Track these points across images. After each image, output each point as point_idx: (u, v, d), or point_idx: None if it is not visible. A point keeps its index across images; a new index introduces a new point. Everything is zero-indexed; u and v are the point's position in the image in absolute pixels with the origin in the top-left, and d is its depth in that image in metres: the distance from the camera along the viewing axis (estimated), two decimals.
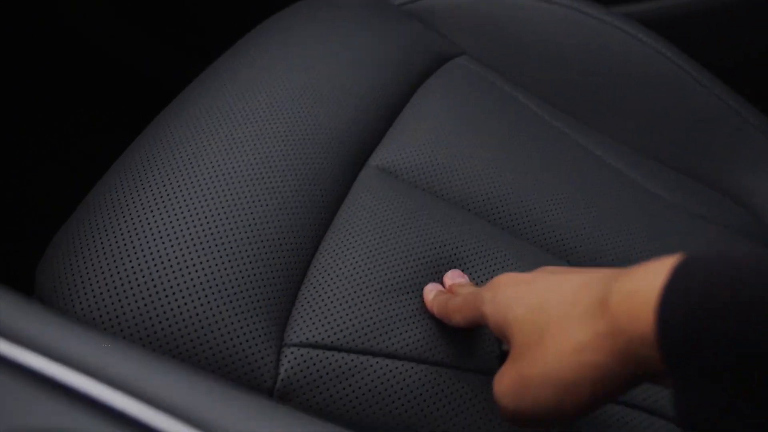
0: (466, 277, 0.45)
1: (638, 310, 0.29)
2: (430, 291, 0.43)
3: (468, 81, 0.59)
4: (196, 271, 0.40)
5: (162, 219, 0.41)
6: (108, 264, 0.40)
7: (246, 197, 0.43)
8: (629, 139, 0.63)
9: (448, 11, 0.66)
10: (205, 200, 0.42)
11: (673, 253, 0.52)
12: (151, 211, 0.41)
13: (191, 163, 0.44)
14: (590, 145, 0.58)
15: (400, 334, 0.42)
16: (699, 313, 0.26)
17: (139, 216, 0.41)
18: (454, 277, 0.44)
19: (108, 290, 0.39)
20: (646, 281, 0.29)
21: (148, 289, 0.39)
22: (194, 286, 0.39)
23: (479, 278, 0.46)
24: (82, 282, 0.39)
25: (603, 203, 0.53)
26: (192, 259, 0.40)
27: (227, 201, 0.43)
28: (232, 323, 0.39)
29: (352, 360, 0.40)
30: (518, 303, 0.35)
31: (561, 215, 0.51)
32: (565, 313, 0.32)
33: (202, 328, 0.39)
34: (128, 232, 0.41)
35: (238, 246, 0.41)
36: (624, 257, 0.51)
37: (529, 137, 0.56)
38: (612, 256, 0.51)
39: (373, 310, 0.42)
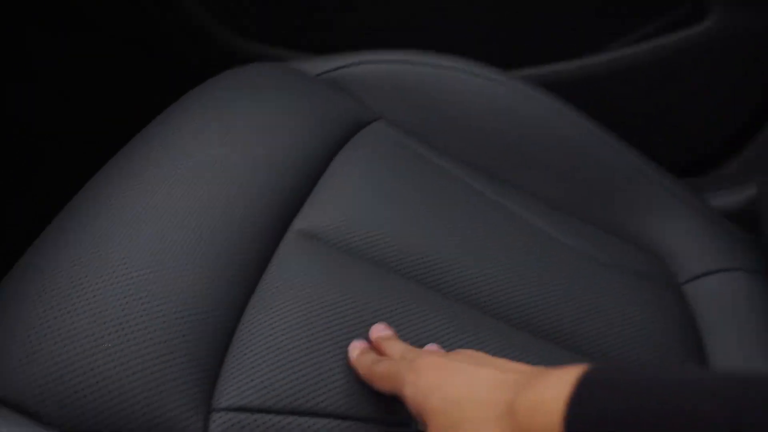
0: (391, 329, 0.46)
1: (542, 420, 0.31)
2: (355, 349, 0.44)
3: (385, 145, 0.62)
4: (114, 344, 0.40)
5: (76, 297, 0.42)
6: (20, 345, 0.40)
7: (168, 268, 0.44)
8: (541, 194, 0.66)
9: (365, 79, 0.69)
10: (122, 273, 0.43)
11: (589, 305, 0.55)
12: (65, 290, 0.42)
13: (111, 233, 0.45)
14: (506, 202, 0.62)
15: (327, 391, 0.43)
16: (600, 426, 0.28)
17: (51, 295, 0.42)
18: (379, 331, 0.45)
19: (24, 373, 0.39)
20: (549, 394, 0.31)
21: (67, 371, 0.39)
22: (112, 361, 0.40)
23: (403, 335, 0.48)
24: None
25: (520, 257, 0.56)
26: (109, 332, 0.41)
27: (146, 272, 0.44)
28: (156, 394, 0.40)
29: (279, 421, 0.41)
30: (437, 393, 0.36)
31: (479, 271, 0.54)
32: (478, 414, 0.34)
33: (125, 401, 0.39)
34: (41, 313, 0.41)
35: (158, 315, 0.42)
36: (543, 309, 0.54)
37: (446, 197, 0.59)
38: (532, 308, 0.54)
39: (300, 369, 0.43)
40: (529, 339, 0.51)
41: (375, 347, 0.45)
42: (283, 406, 0.42)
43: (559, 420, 0.30)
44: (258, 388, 0.42)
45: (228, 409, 0.41)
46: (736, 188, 0.76)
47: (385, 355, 0.44)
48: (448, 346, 0.48)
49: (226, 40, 0.91)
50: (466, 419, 0.34)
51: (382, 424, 0.43)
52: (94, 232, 0.45)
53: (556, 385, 0.31)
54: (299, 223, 0.52)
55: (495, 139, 0.67)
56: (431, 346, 0.46)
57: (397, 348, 0.43)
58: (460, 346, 0.49)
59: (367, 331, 0.47)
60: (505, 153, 0.67)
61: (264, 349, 0.43)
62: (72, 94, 0.96)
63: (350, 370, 0.45)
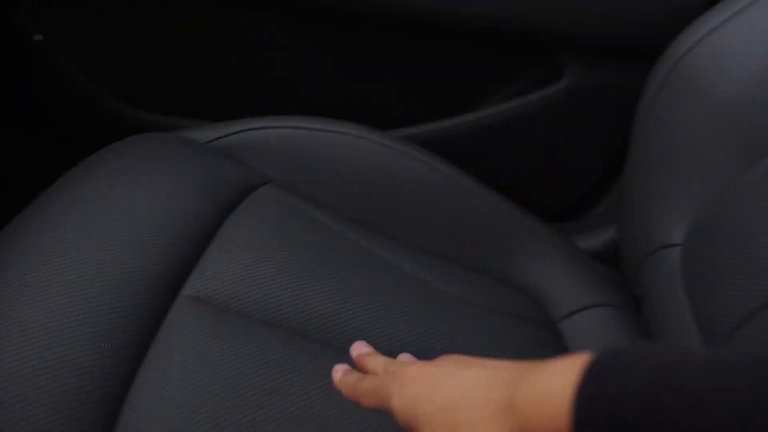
0: (370, 347, 0.46)
1: (547, 412, 0.30)
2: (337, 372, 0.44)
3: (273, 208, 0.65)
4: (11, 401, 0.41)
5: None
6: None
7: (61, 338, 0.45)
8: (422, 245, 0.71)
9: (253, 144, 0.72)
10: (22, 339, 0.44)
11: (468, 349, 0.59)
12: None
13: (17, 296, 0.45)
14: (389, 255, 0.65)
15: None
16: (614, 416, 0.27)
17: None
18: (359, 349, 0.45)
19: None
20: (554, 383, 0.30)
21: None
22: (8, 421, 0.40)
23: (287, 388, 0.50)
24: None
25: (403, 308, 0.60)
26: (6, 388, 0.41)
27: (32, 345, 0.44)
28: None
29: None
30: (427, 401, 0.35)
31: (362, 323, 0.57)
32: (472, 415, 0.33)
33: None
34: None
35: (38, 391, 0.43)
36: (425, 357, 0.57)
37: (332, 255, 0.62)
38: (415, 356, 0.57)
39: (190, 430, 0.45)
40: None
41: (357, 365, 0.45)
42: None
43: (567, 409, 0.29)
44: None
45: None
46: (600, 231, 0.83)
47: (367, 371, 0.43)
48: (335, 393, 0.51)
49: (116, 110, 0.92)
50: (461, 423, 0.33)
51: None
52: None
53: (560, 375, 0.30)
54: (189, 289, 0.54)
55: (377, 196, 0.71)
56: (405, 356, 0.45)
57: (379, 362, 0.43)
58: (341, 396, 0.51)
59: (265, 386, 0.48)
60: (387, 209, 0.71)
61: (155, 414, 0.44)
62: None
63: (241, 425, 0.46)
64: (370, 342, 0.56)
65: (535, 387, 0.31)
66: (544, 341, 0.63)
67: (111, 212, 0.54)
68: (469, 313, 0.62)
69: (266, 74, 0.87)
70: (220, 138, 0.72)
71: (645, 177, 0.65)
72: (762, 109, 0.56)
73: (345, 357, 0.54)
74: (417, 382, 0.37)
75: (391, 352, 0.56)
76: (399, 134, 0.83)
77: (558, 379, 0.30)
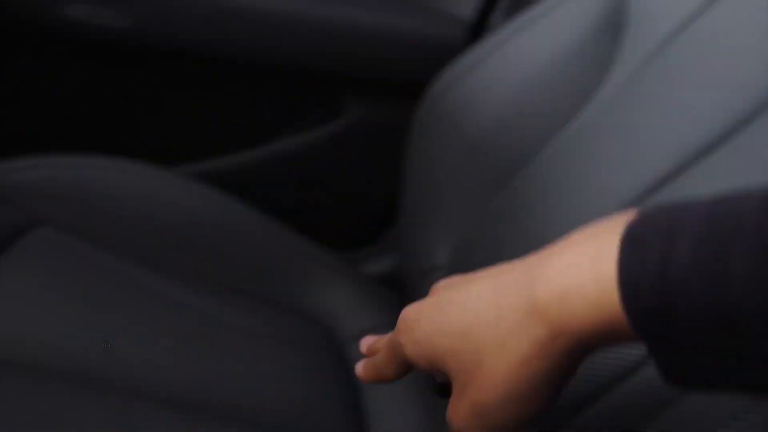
0: (376, 336, 0.43)
1: (576, 308, 0.27)
2: (359, 368, 0.40)
3: (47, 250, 0.63)
4: None
5: None
6: None
7: None
8: (205, 278, 0.71)
9: (27, 185, 0.70)
10: None
11: (258, 379, 0.60)
12: None
13: None
14: (170, 290, 0.65)
15: None
16: (664, 285, 0.25)
17: None
18: (366, 342, 0.42)
19: None
20: (574, 276, 0.28)
21: None
22: None
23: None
24: None
25: (181, 343, 0.60)
26: None
27: None
28: None
29: None
30: (440, 335, 0.33)
31: (145, 361, 0.56)
32: (495, 332, 0.31)
33: None
34: None
35: None
36: (212, 388, 0.58)
37: (110, 294, 0.61)
38: (195, 390, 0.57)
39: None
40: (223, 428, 0.55)
41: (372, 354, 0.42)
42: None
43: (613, 289, 0.26)
44: None
45: None
46: (381, 258, 0.88)
47: (379, 352, 0.40)
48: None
49: None
50: (485, 343, 0.31)
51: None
52: None
53: (576, 267, 0.28)
54: None
55: (158, 232, 0.71)
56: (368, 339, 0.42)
57: (384, 337, 0.40)
58: None
59: None
60: (169, 243, 0.71)
61: None
62: None
63: None
64: (151, 380, 0.56)
65: (551, 287, 0.28)
66: (329, 366, 0.66)
67: None
68: (253, 344, 0.64)
69: (38, 109, 0.84)
70: None
71: (415, 206, 0.70)
72: (506, 139, 0.63)
73: (129, 394, 0.53)
74: (422, 322, 0.34)
75: (173, 389, 0.56)
76: (186, 170, 0.83)
77: (573, 275, 0.28)
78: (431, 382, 0.39)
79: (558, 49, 0.63)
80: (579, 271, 0.28)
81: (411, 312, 0.35)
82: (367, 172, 0.88)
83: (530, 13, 0.66)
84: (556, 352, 0.29)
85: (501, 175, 0.63)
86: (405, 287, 0.74)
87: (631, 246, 0.26)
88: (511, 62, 0.65)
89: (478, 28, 0.84)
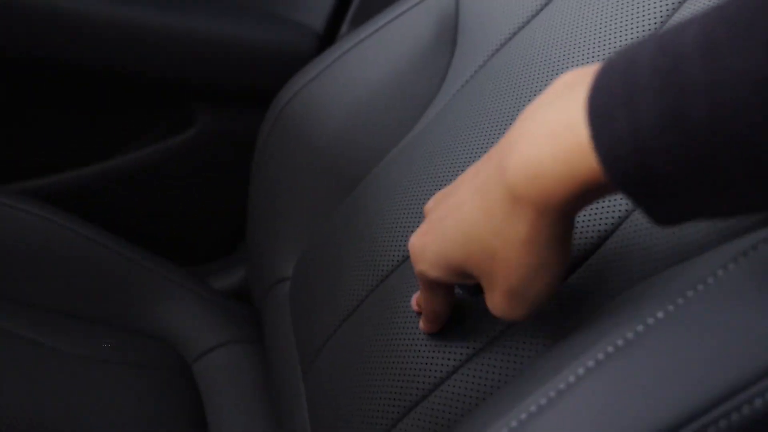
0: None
1: (550, 186, 0.29)
2: (420, 323, 0.44)
3: None
4: None
5: None
6: None
7: None
8: (42, 304, 0.67)
9: None
10: None
11: (95, 407, 0.57)
12: None
13: None
14: (21, 328, 0.61)
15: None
16: (639, 150, 0.26)
17: None
18: (414, 299, 0.45)
19: None
20: (542, 159, 0.29)
21: None
22: None
23: None
24: None
25: (19, 376, 0.56)
26: None
27: None
28: None
29: None
30: (448, 250, 0.35)
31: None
32: (491, 227, 0.32)
33: None
34: None
35: None
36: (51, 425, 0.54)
37: None
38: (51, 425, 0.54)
39: None
40: None
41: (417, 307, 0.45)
42: None
43: (582, 159, 0.28)
44: None
45: None
46: (233, 271, 0.86)
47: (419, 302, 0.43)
48: None
49: None
50: (488, 241, 0.33)
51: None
52: None
53: (549, 137, 0.29)
54: None
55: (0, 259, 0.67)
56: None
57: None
58: None
59: None
60: (13, 271, 0.67)
61: None
62: None
63: None
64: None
65: (524, 167, 0.30)
66: (174, 385, 0.64)
67: None
68: (86, 370, 0.60)
69: None
70: None
71: (262, 216, 0.69)
72: (348, 149, 0.63)
73: None
74: (428, 246, 0.36)
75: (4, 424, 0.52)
76: (23, 186, 0.78)
77: (547, 145, 0.29)
78: (465, 289, 0.42)
79: (396, 61, 0.64)
80: (544, 151, 0.29)
81: (416, 241, 0.37)
82: (219, 183, 0.86)
83: (371, 24, 0.67)
84: (549, 222, 0.31)
85: (342, 186, 0.63)
86: (254, 301, 0.72)
87: (600, 120, 0.27)
88: (352, 74, 0.65)
89: (327, 39, 0.84)
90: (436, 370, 0.42)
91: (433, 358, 0.43)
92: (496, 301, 0.34)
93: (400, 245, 0.51)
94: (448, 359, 0.42)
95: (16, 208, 0.66)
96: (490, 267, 0.33)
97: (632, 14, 0.47)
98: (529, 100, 0.49)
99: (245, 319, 0.73)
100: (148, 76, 0.79)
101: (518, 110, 0.49)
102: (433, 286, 0.39)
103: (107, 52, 0.77)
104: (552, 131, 0.29)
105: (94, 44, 0.76)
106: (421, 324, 0.43)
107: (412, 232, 0.50)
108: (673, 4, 0.45)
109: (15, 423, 0.54)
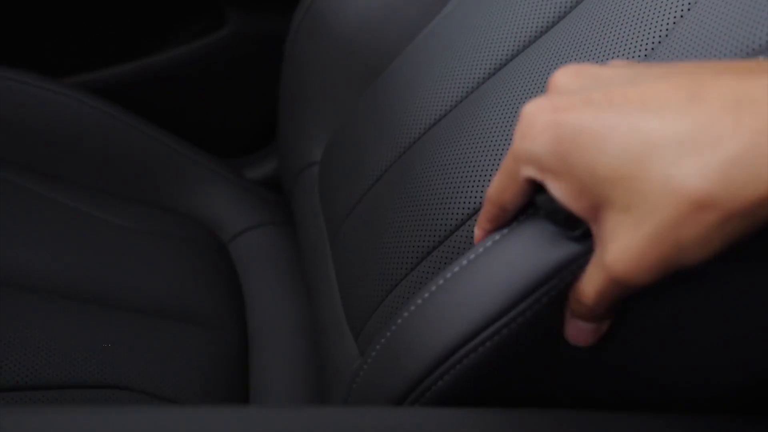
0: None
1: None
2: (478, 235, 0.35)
3: None
4: None
5: None
6: None
7: None
8: (95, 185, 0.73)
9: None
10: None
11: (141, 272, 0.63)
12: None
13: None
14: (62, 198, 0.67)
15: None
16: None
17: None
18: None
19: None
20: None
21: None
22: None
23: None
24: None
25: (74, 243, 0.63)
26: None
27: None
28: None
29: None
30: (608, 155, 0.25)
31: (51, 266, 0.59)
32: (693, 147, 0.24)
33: None
34: None
35: None
36: (116, 285, 0.61)
37: (19, 209, 0.63)
38: (105, 286, 0.60)
39: None
40: (110, 312, 0.58)
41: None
42: None
43: None
44: None
45: None
46: (265, 162, 0.92)
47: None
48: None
49: None
50: (681, 163, 0.24)
51: None
52: None
53: None
54: None
55: (48, 141, 0.72)
56: None
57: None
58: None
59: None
60: (60, 153, 0.73)
61: None
62: None
63: None
64: (36, 275, 0.59)
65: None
66: (212, 260, 0.70)
67: None
68: (135, 240, 0.67)
69: None
70: None
71: (291, 106, 0.73)
72: (374, 38, 0.67)
73: (7, 286, 0.55)
74: (563, 129, 0.26)
75: (59, 286, 0.59)
76: (72, 81, 0.84)
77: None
78: (572, 231, 0.31)
79: None
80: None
81: (542, 115, 0.27)
82: (252, 80, 0.91)
83: None
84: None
85: (369, 72, 0.67)
86: (283, 188, 0.78)
87: None
88: None
89: None
90: (450, 217, 0.47)
91: (447, 206, 0.47)
92: (630, 245, 0.25)
93: (420, 120, 0.55)
94: (464, 207, 0.46)
95: (63, 94, 0.71)
96: (634, 199, 0.25)
97: None
98: None
99: (277, 204, 0.79)
100: None
101: None
102: (524, 178, 0.30)
103: None
104: None
105: None
106: (476, 234, 0.35)
107: (432, 105, 0.54)
108: None
109: (72, 284, 0.60)
